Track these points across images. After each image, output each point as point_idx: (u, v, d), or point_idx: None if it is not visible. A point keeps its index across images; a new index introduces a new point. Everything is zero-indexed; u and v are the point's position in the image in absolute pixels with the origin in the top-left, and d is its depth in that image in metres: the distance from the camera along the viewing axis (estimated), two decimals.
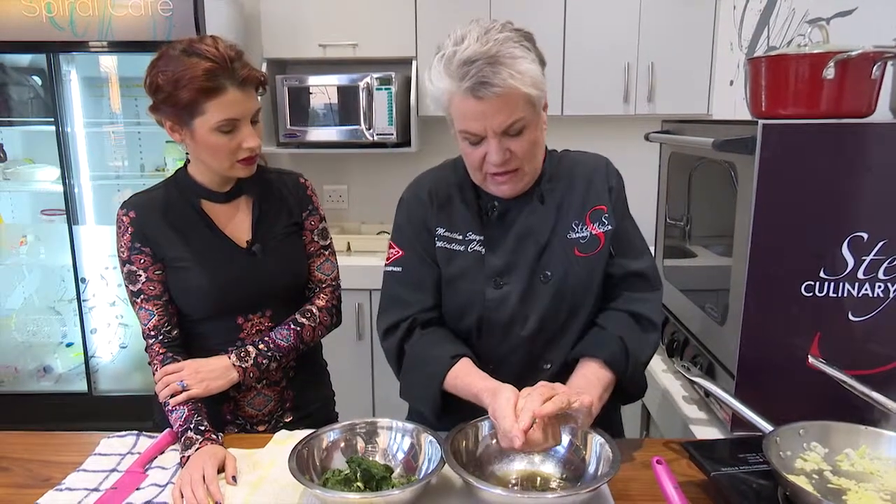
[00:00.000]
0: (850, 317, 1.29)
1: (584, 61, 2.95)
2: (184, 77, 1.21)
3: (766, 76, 1.36)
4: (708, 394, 1.47)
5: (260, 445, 1.26)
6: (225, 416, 1.39)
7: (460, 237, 1.23)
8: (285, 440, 1.26)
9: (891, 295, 1.27)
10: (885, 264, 1.26)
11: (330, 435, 1.12)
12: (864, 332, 1.29)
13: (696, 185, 1.76)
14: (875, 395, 1.16)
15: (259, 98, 1.34)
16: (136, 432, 1.30)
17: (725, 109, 2.90)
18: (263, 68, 3.08)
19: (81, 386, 3.03)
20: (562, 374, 1.19)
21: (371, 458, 1.10)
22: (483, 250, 1.21)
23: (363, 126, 2.96)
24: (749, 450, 1.10)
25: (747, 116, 2.70)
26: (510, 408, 0.98)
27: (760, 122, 1.23)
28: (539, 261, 1.20)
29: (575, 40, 2.94)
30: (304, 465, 1.05)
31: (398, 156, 3.27)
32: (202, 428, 1.22)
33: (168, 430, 1.28)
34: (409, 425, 1.12)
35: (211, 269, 1.34)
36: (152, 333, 1.33)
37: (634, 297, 1.23)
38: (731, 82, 2.86)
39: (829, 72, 1.24)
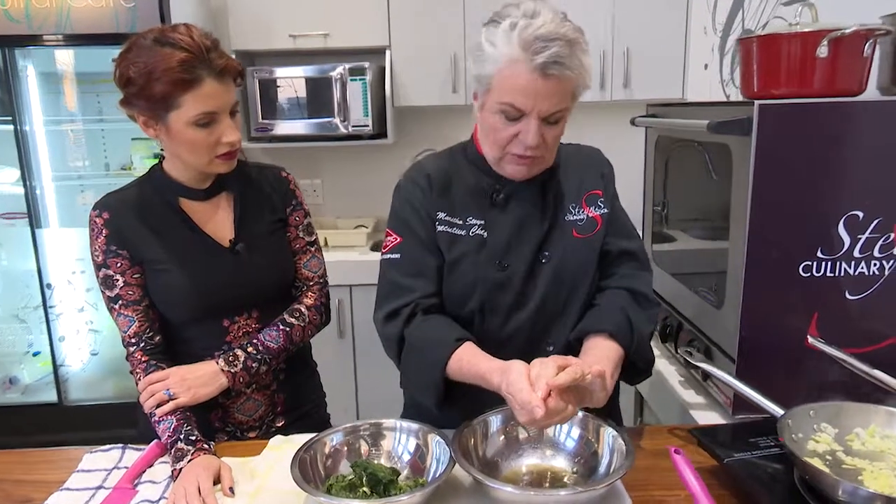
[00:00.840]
0: (847, 295, 1.29)
1: None
2: (157, 68, 1.15)
3: (758, 56, 1.35)
4: (706, 377, 1.46)
5: (253, 453, 1.21)
6: (214, 424, 1.33)
7: (461, 222, 1.21)
8: (281, 446, 1.21)
9: (886, 272, 1.27)
10: (879, 242, 1.26)
11: (332, 438, 1.08)
12: (861, 311, 1.29)
13: (682, 170, 1.75)
14: (876, 373, 1.16)
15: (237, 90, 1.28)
16: (120, 445, 1.23)
17: (700, 93, 2.91)
18: None
19: (51, 396, 2.92)
20: (565, 356, 1.17)
21: (376, 462, 1.05)
22: (484, 234, 1.19)
23: (337, 118, 2.89)
24: (758, 434, 1.09)
25: (722, 99, 2.72)
26: (524, 380, 0.94)
27: (757, 102, 1.21)
28: (539, 244, 1.19)
29: None
30: (307, 471, 1.00)
31: (374, 148, 3.21)
32: (193, 438, 1.16)
33: (155, 441, 1.22)
34: (414, 425, 1.09)
35: (193, 270, 1.28)
36: (133, 341, 1.26)
37: (628, 275, 1.23)
38: (706, 66, 2.86)
39: (823, 50, 1.23)
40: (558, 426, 1.08)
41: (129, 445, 1.24)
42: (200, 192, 1.31)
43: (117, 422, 2.87)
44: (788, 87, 1.31)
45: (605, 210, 1.23)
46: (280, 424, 1.40)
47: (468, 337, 1.14)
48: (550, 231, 1.20)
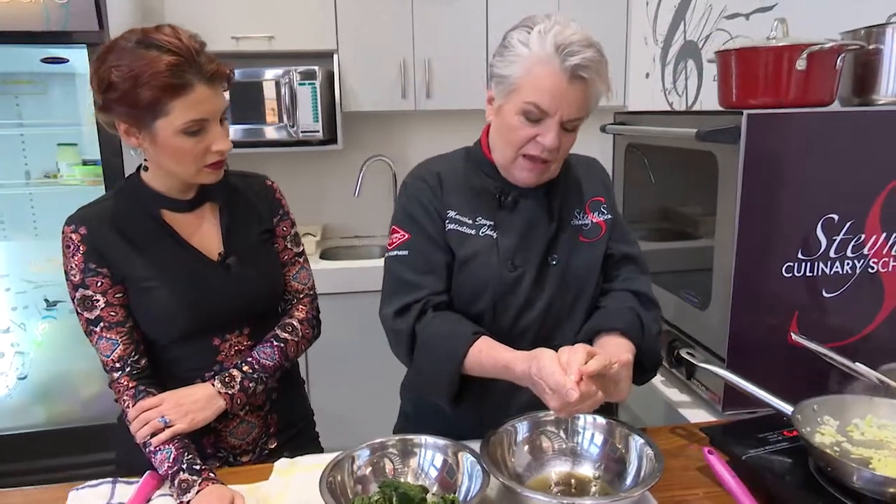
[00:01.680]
0: (824, 293, 1.37)
1: None
2: (144, 73, 1.06)
3: (737, 68, 1.41)
4: (690, 376, 1.52)
5: (253, 479, 1.14)
6: (206, 450, 1.24)
7: (470, 221, 1.21)
8: (288, 469, 1.15)
9: (857, 271, 1.37)
10: (852, 242, 1.35)
11: (360, 457, 1.04)
12: (836, 307, 1.38)
13: (655, 174, 1.81)
14: (857, 366, 1.24)
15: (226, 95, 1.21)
16: (110, 479, 1.13)
17: (642, 101, 3.03)
18: None
19: None
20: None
21: (402, 479, 1.02)
22: (494, 235, 1.19)
23: (286, 123, 2.80)
24: (765, 430, 1.14)
25: (664, 107, 2.84)
26: (556, 364, 0.94)
27: (745, 112, 1.27)
28: (547, 246, 1.20)
29: (497, 35, 2.93)
30: (336, 493, 0.96)
31: (322, 154, 3.14)
32: (196, 467, 1.08)
33: (149, 472, 1.13)
34: (441, 441, 1.06)
35: (182, 286, 1.19)
36: (118, 366, 1.17)
37: (630, 277, 1.26)
38: (647, 75, 2.98)
39: (802, 63, 1.30)
40: (584, 434, 1.09)
41: (120, 479, 1.14)
42: (184, 204, 1.23)
43: (49, 450, 2.66)
44: (766, 97, 1.38)
45: (608, 216, 1.26)
46: (273, 446, 1.33)
47: (483, 331, 1.14)
48: (558, 234, 1.21)
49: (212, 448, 1.26)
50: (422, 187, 1.22)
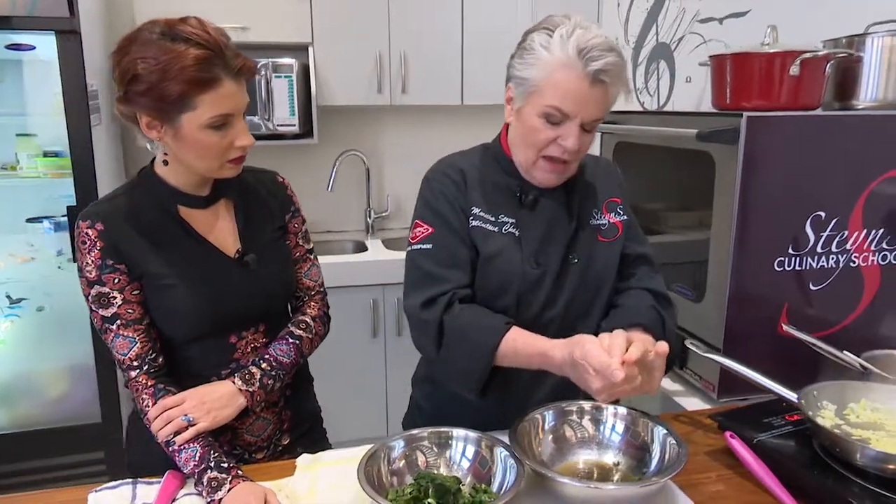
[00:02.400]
0: (811, 286, 1.46)
1: (482, 52, 2.99)
2: (172, 66, 1.04)
3: (732, 72, 1.49)
4: (683, 366, 1.59)
5: (275, 476, 1.14)
6: (222, 448, 1.23)
7: (493, 218, 1.23)
8: (312, 465, 1.15)
9: (840, 265, 1.46)
10: (836, 238, 1.44)
11: (394, 449, 1.05)
12: (822, 299, 1.47)
13: (639, 173, 1.88)
14: (844, 354, 1.34)
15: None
16: (130, 480, 1.11)
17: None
18: None
19: None
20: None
21: (435, 472, 1.04)
22: (517, 232, 1.22)
23: (261, 116, 2.75)
24: (768, 414, 1.21)
25: (636, 106, 2.93)
26: (598, 346, 0.98)
27: (745, 114, 1.34)
28: (568, 245, 1.23)
29: (473, 31, 2.96)
30: (374, 486, 0.97)
31: (297, 148, 3.10)
32: (224, 465, 1.07)
33: (170, 472, 1.11)
34: (472, 433, 1.08)
35: (201, 284, 1.18)
36: (135, 364, 1.14)
37: (646, 276, 1.30)
38: None
39: (795, 69, 1.38)
40: (607, 423, 1.14)
41: (140, 480, 1.12)
42: (201, 200, 1.21)
43: (13, 455, 2.54)
44: (759, 101, 1.46)
45: (624, 217, 1.29)
46: (286, 442, 1.33)
47: (514, 321, 1.17)
48: (578, 233, 1.24)
49: (228, 445, 1.24)
50: (446, 183, 1.23)
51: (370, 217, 3.30)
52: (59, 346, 2.54)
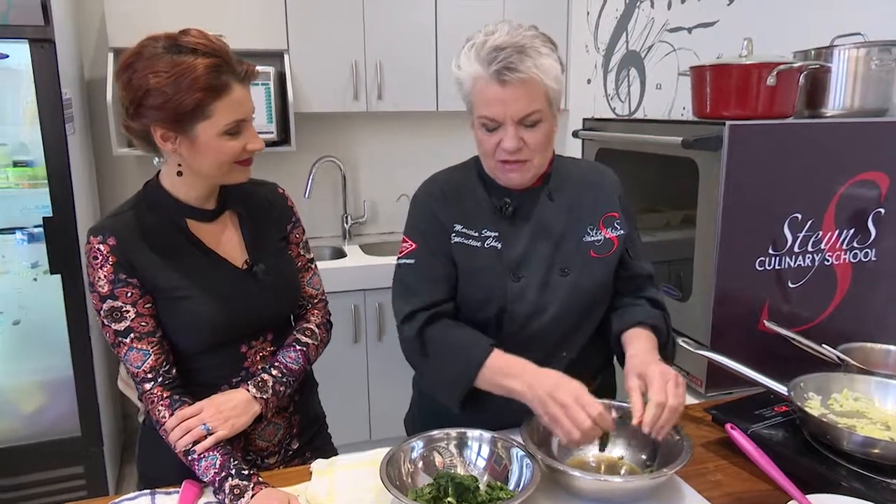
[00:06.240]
0: (789, 284, 1.55)
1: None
2: (185, 77, 1.06)
3: (712, 82, 1.57)
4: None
5: (292, 481, 1.16)
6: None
7: (476, 233, 1.26)
8: (327, 469, 1.18)
9: (816, 263, 1.56)
10: (812, 238, 1.54)
11: (413, 450, 1.08)
12: (799, 296, 1.56)
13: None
14: (823, 348, 1.42)
15: None
16: (148, 491, 1.11)
17: (584, 107, 3.20)
18: (109, 60, 2.71)
19: None
20: (578, 361, 1.28)
21: (453, 472, 1.08)
22: (499, 245, 1.25)
23: None
24: (758, 406, 1.29)
25: (607, 112, 3.02)
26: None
27: (728, 123, 1.42)
28: (554, 255, 1.26)
29: (447, 38, 3.01)
30: (395, 486, 1.00)
31: (274, 155, 3.09)
32: (245, 472, 1.09)
33: (188, 481, 1.12)
34: (487, 434, 1.13)
35: (214, 296, 1.19)
36: (150, 376, 1.15)
37: (647, 289, 1.34)
38: (589, 81, 3.16)
39: (772, 79, 1.47)
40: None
41: (158, 490, 1.12)
42: (208, 213, 1.23)
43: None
44: (738, 109, 1.54)
45: (622, 231, 1.30)
46: (296, 447, 1.35)
47: (493, 342, 1.20)
48: (566, 245, 1.26)
49: (240, 452, 1.26)
50: (429, 201, 1.28)
51: (347, 223, 3.32)
52: (37, 359, 2.48)
